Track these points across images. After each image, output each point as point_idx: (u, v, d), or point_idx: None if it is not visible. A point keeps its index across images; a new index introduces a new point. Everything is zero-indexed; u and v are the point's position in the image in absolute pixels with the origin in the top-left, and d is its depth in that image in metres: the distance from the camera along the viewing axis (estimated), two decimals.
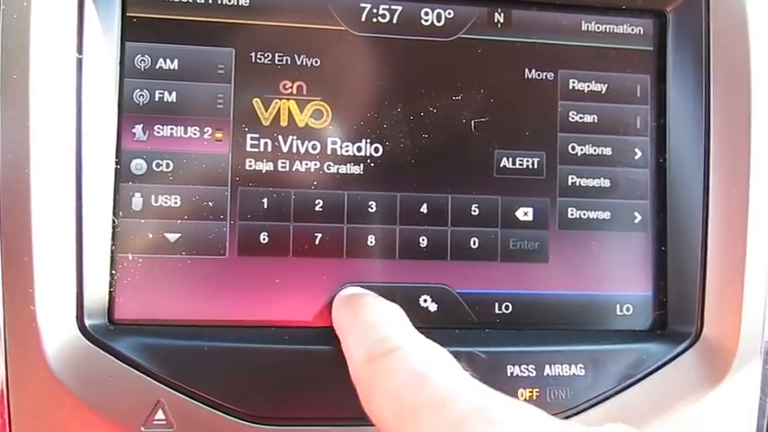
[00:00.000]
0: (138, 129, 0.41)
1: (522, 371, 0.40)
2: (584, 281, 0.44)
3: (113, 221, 0.40)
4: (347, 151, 0.43)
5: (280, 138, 0.42)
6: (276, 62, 0.43)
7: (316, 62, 0.43)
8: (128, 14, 0.42)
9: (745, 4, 0.44)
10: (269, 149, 0.42)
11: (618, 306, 0.45)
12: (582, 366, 0.41)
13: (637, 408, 0.41)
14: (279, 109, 0.42)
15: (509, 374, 0.40)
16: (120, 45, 0.41)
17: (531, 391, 0.40)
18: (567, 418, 0.40)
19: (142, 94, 0.41)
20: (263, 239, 0.42)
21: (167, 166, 0.41)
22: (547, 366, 0.40)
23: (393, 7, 0.44)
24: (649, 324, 0.45)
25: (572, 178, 0.45)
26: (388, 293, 0.42)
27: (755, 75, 0.43)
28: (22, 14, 0.37)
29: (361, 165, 0.43)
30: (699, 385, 0.42)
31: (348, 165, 0.43)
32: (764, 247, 0.42)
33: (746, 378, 0.42)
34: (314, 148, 0.42)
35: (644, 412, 0.41)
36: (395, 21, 0.44)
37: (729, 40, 0.44)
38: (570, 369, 0.41)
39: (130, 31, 0.41)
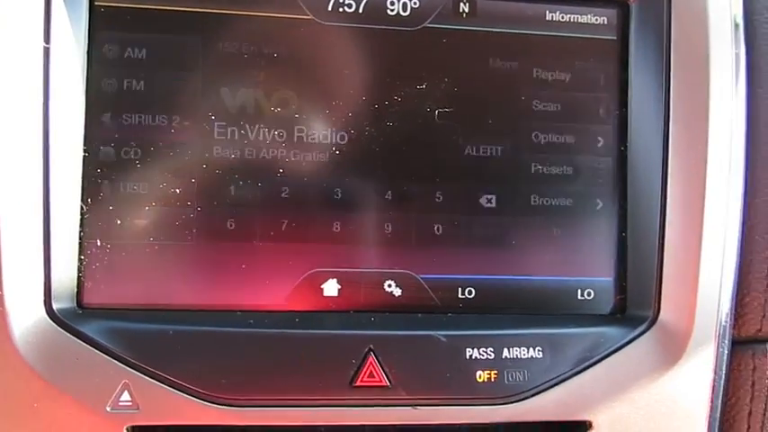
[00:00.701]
0: (106, 117, 0.42)
1: (480, 354, 0.41)
2: (546, 266, 0.45)
3: (82, 208, 0.41)
4: (313, 139, 0.43)
5: (246, 126, 0.43)
6: (243, 51, 0.43)
7: (282, 52, 0.43)
8: (96, 3, 0.42)
9: None
10: (235, 137, 0.43)
11: (579, 291, 0.45)
12: (540, 349, 0.42)
13: (594, 389, 0.42)
14: (246, 97, 0.43)
15: (468, 357, 0.41)
16: (88, 34, 0.42)
17: (489, 373, 0.41)
18: (524, 399, 0.41)
19: (110, 83, 0.42)
20: (230, 226, 0.42)
21: (135, 153, 0.42)
22: (505, 349, 0.41)
23: None
24: (610, 308, 0.46)
25: (535, 166, 0.45)
26: (354, 279, 0.43)
27: (714, 64, 0.44)
28: None
29: (327, 152, 0.43)
30: (655, 367, 0.43)
31: (314, 152, 0.43)
32: (720, 234, 0.43)
33: (701, 360, 0.43)
34: (280, 136, 0.43)
35: (601, 394, 0.42)
36: (361, 10, 0.44)
37: (690, 30, 0.45)
38: (528, 352, 0.42)
39: (98, 20, 0.42)
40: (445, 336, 0.41)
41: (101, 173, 0.42)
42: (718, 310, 0.43)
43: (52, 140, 0.40)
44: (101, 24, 0.42)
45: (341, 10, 0.44)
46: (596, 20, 0.47)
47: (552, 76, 0.46)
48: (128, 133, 0.42)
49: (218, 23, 0.43)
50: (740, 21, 0.46)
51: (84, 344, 0.39)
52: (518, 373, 0.41)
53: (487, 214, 0.45)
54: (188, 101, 0.42)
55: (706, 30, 0.45)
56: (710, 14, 0.45)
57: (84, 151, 0.41)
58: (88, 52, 0.42)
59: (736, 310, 0.45)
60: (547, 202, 0.45)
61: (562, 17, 0.46)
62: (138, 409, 0.38)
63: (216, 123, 0.43)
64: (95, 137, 0.42)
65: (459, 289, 0.44)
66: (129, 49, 0.42)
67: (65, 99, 0.41)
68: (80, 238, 0.41)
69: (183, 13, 0.43)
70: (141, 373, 0.39)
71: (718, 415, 0.44)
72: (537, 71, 0.46)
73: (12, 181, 0.38)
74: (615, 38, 0.47)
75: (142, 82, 0.42)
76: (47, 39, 0.40)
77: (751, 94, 0.46)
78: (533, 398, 0.41)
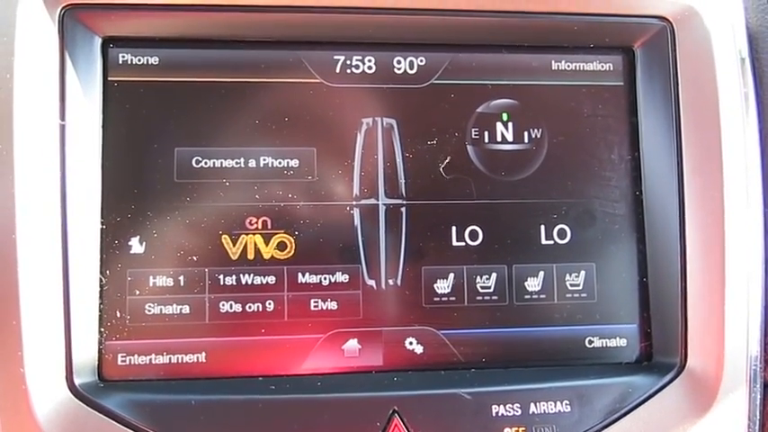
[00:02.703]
0: (122, 189, 0.42)
1: (507, 410, 0.40)
2: (568, 316, 0.45)
3: (101, 280, 0.41)
4: (328, 199, 0.44)
5: (262, 189, 0.43)
6: (255, 117, 0.44)
7: (294, 114, 0.44)
8: (109, 79, 0.43)
9: (711, 36, 0.45)
10: (250, 203, 0.43)
11: (604, 339, 0.45)
12: (567, 402, 0.41)
13: None
14: (260, 162, 0.43)
15: (494, 414, 0.40)
16: (103, 109, 0.42)
17: (517, 430, 0.40)
18: None
19: (125, 155, 0.43)
20: (247, 291, 0.42)
21: (151, 223, 0.42)
22: (532, 404, 0.41)
23: (367, 57, 0.45)
24: (636, 356, 0.45)
25: (550, 214, 0.45)
26: (375, 338, 0.43)
27: (723, 103, 0.44)
28: (6, 85, 0.39)
29: (342, 212, 0.44)
30: (686, 416, 0.42)
31: (329, 212, 0.43)
32: (743, 275, 0.42)
33: (733, 406, 0.42)
34: (294, 197, 0.43)
35: None
36: (368, 71, 0.45)
37: (696, 70, 0.45)
38: (556, 406, 0.41)
39: (112, 94, 0.43)
40: (470, 393, 0.41)
41: (118, 244, 0.42)
42: (747, 354, 0.42)
43: (69, 214, 0.40)
44: (114, 99, 0.43)
45: (348, 72, 0.45)
46: (602, 66, 0.47)
47: (562, 124, 0.46)
48: (142, 203, 0.42)
49: (229, 92, 0.44)
50: (746, 55, 0.46)
51: (107, 418, 0.39)
52: (546, 428, 0.40)
53: (505, 266, 0.44)
54: (201, 169, 0.43)
55: (713, 68, 0.45)
56: (716, 52, 0.45)
57: (102, 223, 0.42)
58: (103, 126, 0.42)
59: (765, 351, 0.44)
60: (564, 250, 0.45)
61: (568, 66, 0.47)
62: None
63: (230, 189, 0.43)
64: (112, 209, 0.42)
65: (482, 344, 0.44)
66: (143, 122, 0.43)
67: (81, 173, 0.41)
68: (100, 311, 0.41)
69: (194, 84, 0.43)
70: None
71: None
72: (546, 120, 0.46)
73: (31, 255, 0.39)
74: (622, 83, 0.47)
75: (155, 152, 0.43)
76: (62, 116, 0.41)
77: (763, 129, 0.46)
78: None
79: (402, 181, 0.44)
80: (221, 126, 0.43)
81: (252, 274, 0.42)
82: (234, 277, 0.42)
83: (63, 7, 0.41)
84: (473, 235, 0.44)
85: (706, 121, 0.44)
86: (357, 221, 0.44)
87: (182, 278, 0.42)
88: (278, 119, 0.44)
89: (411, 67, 0.45)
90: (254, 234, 0.43)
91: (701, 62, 0.45)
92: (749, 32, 0.47)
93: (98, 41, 0.42)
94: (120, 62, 0.43)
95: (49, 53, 0.41)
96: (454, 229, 0.44)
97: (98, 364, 0.41)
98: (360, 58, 0.45)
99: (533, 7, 0.44)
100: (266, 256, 0.43)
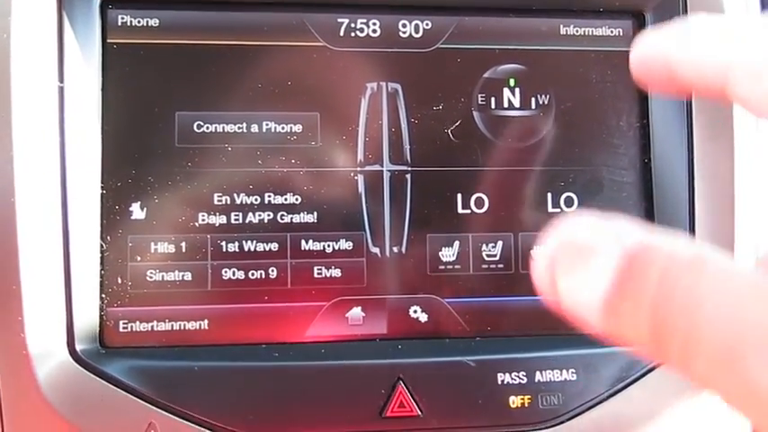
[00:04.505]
0: (122, 153, 0.42)
1: (512, 378, 0.40)
2: None
3: (101, 246, 0.41)
4: (332, 166, 0.43)
5: (265, 156, 0.43)
6: (257, 82, 0.43)
7: (296, 79, 0.43)
8: (108, 41, 0.42)
9: (723, 1, 0.44)
10: (253, 169, 0.42)
11: None
12: (573, 371, 0.41)
13: (630, 411, 0.41)
14: (263, 128, 0.43)
15: (500, 382, 0.40)
16: (102, 72, 0.42)
17: (523, 399, 0.40)
18: (559, 424, 0.40)
19: (125, 119, 0.42)
20: (251, 258, 0.42)
21: (152, 188, 0.42)
22: (538, 373, 0.40)
23: (371, 21, 0.44)
24: None
25: (557, 181, 0.45)
26: (378, 306, 0.42)
27: None
28: (2, 46, 0.38)
29: (346, 179, 0.43)
30: (692, 385, 0.41)
31: (332, 179, 0.43)
32: (752, 245, 0.42)
33: None
34: (298, 164, 0.43)
35: (638, 415, 0.41)
36: (372, 34, 0.44)
37: None
38: (561, 374, 0.41)
39: (111, 57, 0.42)
40: (475, 361, 0.40)
41: (119, 209, 0.41)
42: None
43: (69, 179, 0.40)
44: (114, 62, 0.42)
45: (353, 35, 0.44)
46: (612, 31, 0.46)
47: (570, 90, 0.45)
48: (143, 167, 0.42)
49: (231, 55, 0.43)
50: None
51: (109, 384, 0.38)
52: (552, 397, 0.40)
53: (511, 234, 0.44)
54: (203, 133, 0.42)
55: None
56: (727, 16, 0.44)
57: (102, 188, 0.41)
58: (102, 89, 0.42)
59: None
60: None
61: (576, 30, 0.46)
62: None
63: (232, 154, 0.42)
64: (112, 173, 0.41)
65: (487, 312, 0.43)
66: (143, 85, 0.42)
67: (80, 137, 0.40)
68: (101, 277, 0.41)
69: (195, 47, 0.43)
70: (167, 411, 0.38)
71: None
72: (554, 86, 0.45)
73: (31, 220, 0.38)
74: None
75: (155, 116, 0.42)
76: (61, 78, 0.40)
77: None
78: (569, 422, 0.40)
79: (407, 147, 0.43)
80: (223, 90, 0.43)
81: (255, 241, 0.42)
82: (236, 244, 0.42)
83: None
84: (479, 202, 0.44)
85: None
86: (361, 188, 0.43)
87: (183, 245, 0.41)
88: (281, 83, 0.43)
89: (416, 31, 0.44)
90: None
91: None
92: None
93: (96, 2, 0.42)
94: (119, 24, 0.42)
95: (47, 14, 0.40)
96: (459, 196, 0.44)
97: (99, 331, 0.41)
98: (364, 21, 0.44)
99: None
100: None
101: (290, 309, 0.42)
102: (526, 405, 0.40)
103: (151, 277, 0.41)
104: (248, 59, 0.43)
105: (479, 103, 0.44)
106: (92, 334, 0.40)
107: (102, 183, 0.41)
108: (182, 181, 0.42)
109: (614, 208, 0.45)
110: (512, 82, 0.45)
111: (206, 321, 0.41)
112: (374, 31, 0.44)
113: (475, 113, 0.44)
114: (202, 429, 0.38)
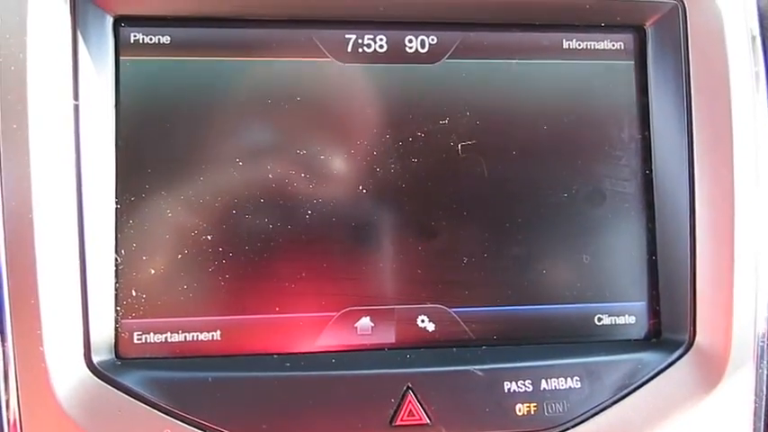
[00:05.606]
0: (135, 167, 0.42)
1: (518, 386, 0.41)
2: (578, 293, 0.45)
3: (116, 260, 0.42)
4: (340, 179, 0.44)
5: (274, 169, 0.43)
6: (267, 96, 0.44)
7: (305, 94, 0.44)
8: (122, 58, 0.43)
9: (722, 15, 0.45)
10: (263, 181, 0.43)
11: (613, 316, 0.45)
12: (578, 379, 0.42)
13: (634, 417, 0.41)
14: (272, 142, 0.44)
15: (506, 390, 0.41)
16: (115, 88, 0.42)
17: (529, 406, 0.41)
18: (565, 430, 0.41)
19: (138, 134, 0.43)
20: (261, 269, 0.43)
21: (164, 202, 0.42)
22: (543, 381, 0.41)
23: (378, 36, 0.45)
24: (644, 333, 0.45)
25: (561, 193, 0.45)
26: (387, 315, 0.43)
27: (734, 83, 0.44)
28: (19, 66, 0.39)
29: (354, 191, 0.44)
30: (694, 392, 0.42)
31: (340, 192, 0.44)
32: (752, 252, 0.43)
33: (740, 382, 0.42)
34: (307, 178, 0.44)
35: (641, 421, 0.42)
36: (379, 50, 0.45)
37: (707, 49, 0.45)
38: (567, 382, 0.42)
39: (125, 73, 0.43)
40: (482, 370, 0.41)
41: (133, 223, 0.42)
42: (754, 331, 0.43)
43: (85, 194, 0.41)
44: (127, 78, 0.43)
45: (360, 51, 0.45)
46: (613, 45, 0.47)
47: (573, 103, 0.46)
48: (156, 181, 0.42)
49: (241, 71, 0.44)
50: (757, 33, 0.46)
51: (125, 395, 0.39)
52: (558, 405, 0.41)
53: (516, 244, 0.45)
54: (214, 148, 0.43)
55: (724, 47, 0.45)
56: (727, 31, 0.45)
57: (116, 203, 0.42)
58: (116, 106, 0.42)
59: None
60: (575, 228, 0.45)
61: (579, 44, 0.47)
62: None
63: (243, 168, 0.43)
64: (126, 188, 0.42)
65: (493, 321, 0.44)
66: (156, 101, 0.43)
67: (96, 153, 0.41)
68: (115, 290, 0.42)
69: (206, 63, 0.43)
70: (182, 421, 0.39)
71: None
72: (557, 99, 0.46)
73: (48, 236, 0.39)
74: (633, 62, 0.47)
75: (168, 131, 0.43)
76: (75, 95, 0.41)
77: None
78: (575, 428, 0.41)
79: (414, 160, 0.44)
80: (233, 105, 0.43)
81: (266, 253, 0.43)
82: (248, 256, 0.43)
83: None
84: (485, 213, 0.45)
85: (717, 99, 0.44)
86: (369, 199, 0.44)
87: (196, 257, 0.42)
88: (290, 98, 0.44)
89: (423, 46, 0.45)
90: None
91: (712, 41, 0.45)
92: (760, 11, 0.47)
93: (110, 20, 0.42)
94: (132, 42, 0.43)
95: (62, 33, 0.40)
96: (466, 207, 0.44)
97: (115, 343, 0.41)
98: (371, 36, 0.45)
99: None
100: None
101: (300, 319, 0.43)
102: (532, 412, 0.41)
103: (164, 289, 0.42)
104: (258, 75, 0.44)
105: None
106: (107, 346, 0.41)
107: (116, 197, 0.42)
108: (194, 195, 0.43)
109: (616, 218, 0.46)
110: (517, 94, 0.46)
111: (218, 332, 0.42)
112: (381, 46, 0.45)
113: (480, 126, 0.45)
114: None
